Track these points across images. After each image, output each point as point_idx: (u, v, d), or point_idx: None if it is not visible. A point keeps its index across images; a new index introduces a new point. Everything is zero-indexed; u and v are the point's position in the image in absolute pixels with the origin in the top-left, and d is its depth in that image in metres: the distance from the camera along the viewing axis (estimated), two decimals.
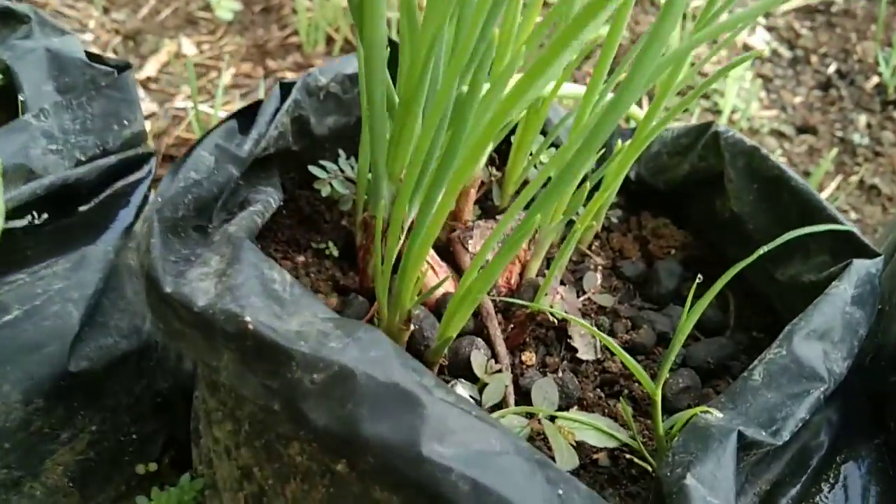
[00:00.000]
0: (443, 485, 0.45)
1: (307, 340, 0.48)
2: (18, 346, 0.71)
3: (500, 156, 0.99)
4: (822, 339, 0.64)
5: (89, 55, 0.91)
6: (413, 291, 0.71)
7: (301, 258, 0.90)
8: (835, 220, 0.74)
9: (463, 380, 0.77)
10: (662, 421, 0.77)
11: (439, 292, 0.86)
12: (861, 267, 0.68)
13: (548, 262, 0.91)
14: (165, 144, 1.82)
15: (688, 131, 0.91)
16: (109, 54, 2.07)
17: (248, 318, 0.48)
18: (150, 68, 2.12)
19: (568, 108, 1.06)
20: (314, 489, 0.59)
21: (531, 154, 0.94)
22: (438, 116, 0.61)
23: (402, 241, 0.70)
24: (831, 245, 0.75)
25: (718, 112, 2.18)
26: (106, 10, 2.15)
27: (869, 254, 0.71)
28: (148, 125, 1.81)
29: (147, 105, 2.09)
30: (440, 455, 0.45)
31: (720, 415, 0.59)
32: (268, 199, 0.70)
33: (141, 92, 2.09)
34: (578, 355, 0.82)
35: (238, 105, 1.90)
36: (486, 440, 0.47)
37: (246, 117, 0.81)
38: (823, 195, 1.97)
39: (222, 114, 1.81)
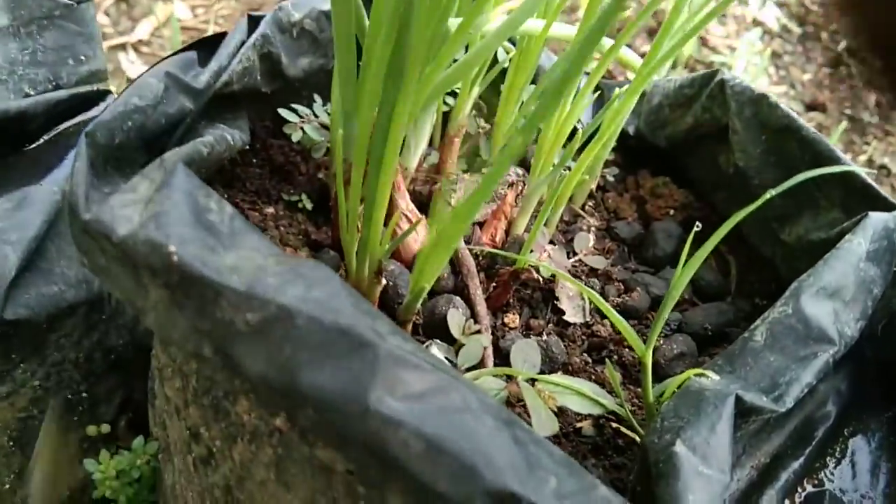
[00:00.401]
0: (392, 442, 0.39)
1: (241, 276, 0.42)
2: None
3: (490, 106, 0.92)
4: (833, 297, 0.57)
5: None
6: (383, 240, 0.64)
7: (270, 210, 0.84)
8: (849, 172, 0.67)
9: (438, 341, 0.71)
10: (653, 388, 0.71)
11: (417, 246, 0.79)
12: (878, 220, 0.61)
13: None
14: None
15: (691, 81, 0.84)
16: (101, 16, 2.00)
17: (172, 249, 0.42)
18: (143, 31, 2.05)
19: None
20: (261, 450, 0.53)
21: (522, 104, 0.87)
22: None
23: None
24: (843, 199, 0.68)
25: None
26: None
27: (886, 206, 0.64)
28: None
29: (138, 68, 2.02)
30: (390, 408, 0.39)
31: (716, 378, 0.53)
32: (223, 135, 0.63)
33: (132, 55, 2.02)
34: (566, 318, 0.76)
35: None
36: (446, 394, 0.41)
37: (208, 49, 0.74)
38: None
39: None
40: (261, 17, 0.78)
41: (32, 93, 0.75)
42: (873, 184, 0.65)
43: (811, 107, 2.19)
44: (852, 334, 0.56)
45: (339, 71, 0.57)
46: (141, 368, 0.79)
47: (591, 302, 0.79)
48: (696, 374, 0.55)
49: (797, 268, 0.74)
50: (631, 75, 1.01)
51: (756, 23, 2.37)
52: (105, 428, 0.77)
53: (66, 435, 0.75)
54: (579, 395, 0.62)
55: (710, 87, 0.81)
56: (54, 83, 0.77)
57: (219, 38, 0.75)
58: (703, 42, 2.33)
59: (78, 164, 0.49)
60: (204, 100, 0.68)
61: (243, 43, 0.74)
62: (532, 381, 0.62)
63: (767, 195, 0.52)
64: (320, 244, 0.80)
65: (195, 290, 0.42)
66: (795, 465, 0.55)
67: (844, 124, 1.84)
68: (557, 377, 0.63)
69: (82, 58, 0.81)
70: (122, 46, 2.08)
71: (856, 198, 0.67)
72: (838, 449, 0.58)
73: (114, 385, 0.78)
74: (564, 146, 0.78)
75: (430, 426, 0.39)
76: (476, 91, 0.83)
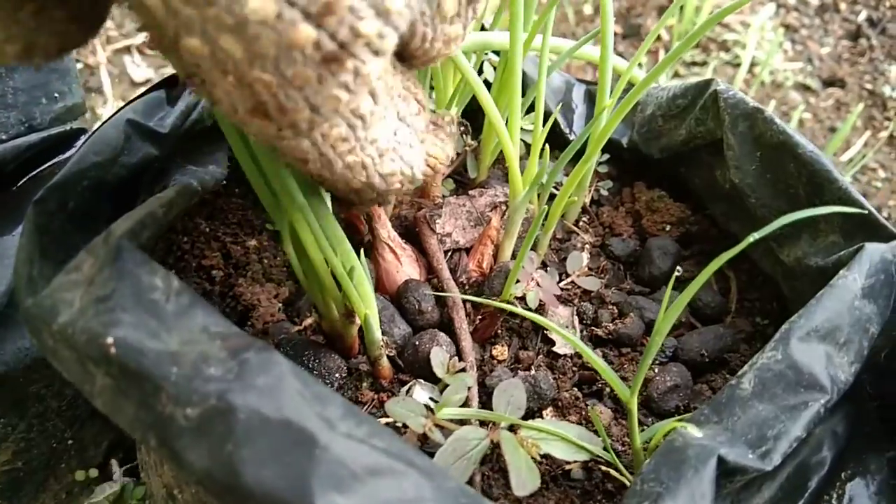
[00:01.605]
0: None
1: (181, 366, 0.40)
2: None
3: (476, 123, 0.89)
4: (826, 339, 0.54)
5: None
6: (354, 279, 0.62)
7: (253, 242, 0.82)
8: (847, 196, 0.63)
9: (422, 381, 0.69)
10: (647, 425, 0.68)
11: (401, 277, 0.77)
12: (874, 252, 0.58)
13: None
14: None
15: (685, 91, 0.80)
16: None
17: (110, 340, 0.40)
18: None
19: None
20: None
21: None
22: None
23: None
24: (843, 224, 0.65)
25: (738, 65, 2.05)
26: None
27: (886, 236, 0.60)
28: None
29: (143, 71, 2.01)
30: None
31: (698, 434, 0.50)
32: (189, 183, 0.61)
33: (137, 57, 2.01)
34: (556, 349, 0.74)
35: None
36: (400, 486, 0.39)
37: (177, 85, 0.72)
38: (850, 152, 1.84)
39: None
40: None
41: (3, 137, 0.73)
42: (873, 211, 0.62)
43: (829, 82, 2.12)
44: (846, 379, 0.53)
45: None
46: None
47: (582, 329, 0.77)
48: (681, 426, 0.53)
49: (799, 289, 0.71)
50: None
51: None
52: (93, 472, 0.76)
53: (53, 482, 0.74)
54: (564, 441, 0.60)
55: (704, 99, 0.77)
56: (27, 124, 0.76)
57: None
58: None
59: (23, 241, 0.47)
60: (172, 143, 0.67)
61: None
62: (515, 428, 0.60)
63: (750, 238, 0.48)
64: None
65: (135, 382, 0.40)
66: None
67: (861, 106, 1.78)
68: (541, 422, 0.61)
69: (56, 95, 0.79)
70: (127, 49, 2.06)
71: (855, 224, 0.63)
72: (835, 495, 0.55)
73: (100, 429, 0.77)
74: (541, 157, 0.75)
75: None
76: (455, 111, 0.80)
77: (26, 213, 0.49)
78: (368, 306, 0.61)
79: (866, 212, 0.61)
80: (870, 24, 2.27)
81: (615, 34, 2.13)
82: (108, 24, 2.03)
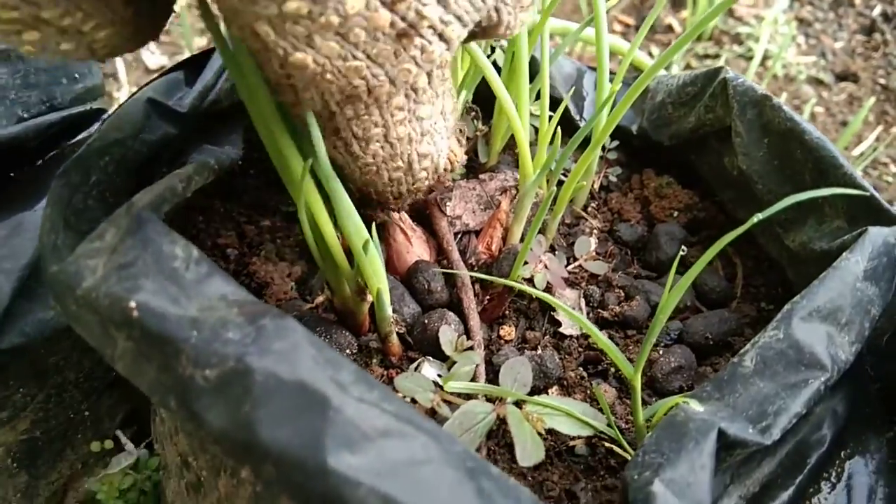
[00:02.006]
0: (351, 501, 0.38)
1: (201, 330, 0.41)
2: None
3: (487, 109, 0.90)
4: (827, 319, 0.55)
5: None
6: (369, 257, 0.64)
7: (267, 222, 0.84)
8: (852, 181, 0.64)
9: (430, 358, 0.71)
10: (651, 404, 0.70)
11: (412, 258, 0.79)
12: (877, 236, 0.59)
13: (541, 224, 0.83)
14: None
15: (694, 79, 0.81)
16: None
17: (132, 304, 0.42)
18: None
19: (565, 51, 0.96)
20: (242, 486, 0.53)
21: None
22: None
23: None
24: (848, 209, 0.65)
25: (751, 58, 2.05)
26: None
27: (889, 220, 0.61)
28: None
29: (157, 58, 2.03)
30: (349, 466, 0.39)
31: (700, 408, 0.51)
32: (207, 161, 0.63)
33: (152, 45, 2.02)
34: (562, 330, 0.75)
35: None
36: (408, 447, 0.41)
37: (195, 67, 0.73)
38: (862, 146, 1.84)
39: None
40: None
41: (25, 116, 0.75)
42: (876, 195, 0.62)
43: (842, 77, 2.11)
44: (847, 359, 0.54)
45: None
46: None
47: (588, 311, 0.78)
48: (683, 402, 0.54)
49: (805, 274, 0.72)
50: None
51: None
52: (108, 444, 0.78)
53: (70, 453, 0.76)
54: (569, 417, 0.61)
55: (714, 86, 0.78)
56: (48, 104, 0.78)
57: (206, 55, 0.74)
58: (729, 12, 2.26)
59: (47, 211, 0.49)
60: (190, 122, 0.68)
61: None
62: (521, 403, 0.62)
63: (754, 219, 0.49)
64: None
65: (156, 345, 0.42)
66: (787, 493, 0.54)
67: (874, 100, 1.78)
68: (547, 398, 0.62)
69: (76, 76, 0.81)
70: None
71: (860, 208, 0.64)
72: (834, 473, 0.56)
73: (116, 401, 0.79)
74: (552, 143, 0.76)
75: (387, 484, 0.38)
76: (464, 94, 0.81)
77: (51, 185, 0.51)
78: (380, 281, 0.62)
79: (868, 194, 0.62)
80: (884, 19, 2.26)
81: (628, 26, 2.14)
82: None
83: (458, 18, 0.45)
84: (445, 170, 0.64)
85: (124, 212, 0.47)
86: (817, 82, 2.05)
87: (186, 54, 1.85)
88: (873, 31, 2.23)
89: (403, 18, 0.43)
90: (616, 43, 0.88)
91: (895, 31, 2.26)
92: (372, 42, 0.43)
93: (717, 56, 2.13)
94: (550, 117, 0.77)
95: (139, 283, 0.43)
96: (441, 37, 0.45)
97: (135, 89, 1.75)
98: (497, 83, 0.72)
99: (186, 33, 1.72)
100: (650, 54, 2.03)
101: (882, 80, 2.07)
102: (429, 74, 0.51)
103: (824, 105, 1.96)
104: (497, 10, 0.51)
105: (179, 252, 0.46)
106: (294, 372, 0.41)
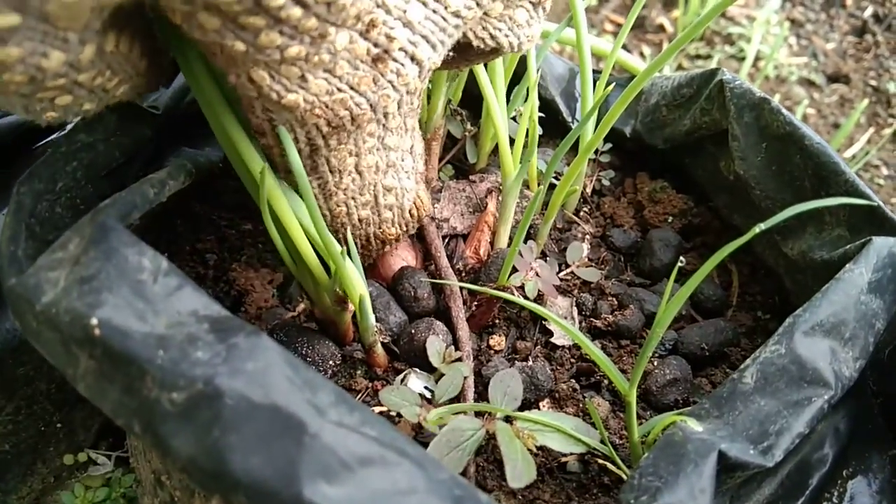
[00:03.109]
0: None
1: (168, 350, 0.39)
2: None
3: (476, 110, 0.88)
4: (830, 334, 0.53)
5: None
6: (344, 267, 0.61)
7: (248, 226, 0.80)
8: (854, 189, 0.62)
9: (417, 370, 0.68)
10: (646, 419, 0.67)
11: (397, 263, 0.76)
12: (882, 246, 0.57)
13: (530, 227, 0.81)
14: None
15: (690, 80, 0.79)
16: None
17: (94, 321, 0.39)
18: None
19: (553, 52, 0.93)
20: None
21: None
22: None
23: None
24: (849, 217, 0.63)
25: (742, 59, 2.03)
26: None
27: (892, 230, 0.59)
28: None
29: None
30: (326, 498, 0.36)
31: (698, 428, 0.49)
32: (183, 163, 0.60)
33: None
34: (554, 340, 0.72)
35: None
36: (391, 476, 0.38)
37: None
38: (854, 148, 1.83)
39: None
40: None
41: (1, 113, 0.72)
42: (881, 204, 0.60)
43: (834, 78, 2.10)
44: (850, 375, 0.52)
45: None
46: None
47: (581, 320, 0.75)
48: (680, 420, 0.52)
49: (802, 283, 0.70)
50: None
51: None
52: (82, 457, 0.75)
53: (41, 466, 0.73)
54: (560, 433, 0.59)
55: (710, 88, 0.76)
56: None
57: None
58: (721, 13, 2.24)
59: (7, 219, 0.46)
60: (166, 123, 0.65)
61: None
62: (511, 419, 0.59)
63: (756, 230, 0.47)
64: None
65: (120, 365, 0.39)
66: None
67: (866, 102, 1.76)
68: (538, 414, 0.60)
69: None
70: None
71: (861, 217, 0.62)
72: (836, 493, 0.54)
73: (90, 412, 0.76)
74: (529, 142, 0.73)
75: None
76: (445, 88, 0.78)
77: (13, 195, 0.48)
78: (361, 289, 0.60)
79: (875, 204, 0.59)
80: (875, 21, 2.25)
81: (619, 25, 2.11)
82: None
83: (425, 39, 0.50)
84: (411, 214, 0.67)
85: (89, 220, 0.44)
86: (809, 83, 2.04)
87: None
88: (865, 32, 2.22)
89: (376, 44, 0.47)
90: (597, 45, 0.85)
91: (886, 32, 2.25)
92: (353, 72, 0.48)
93: (708, 56, 2.11)
94: (540, 118, 0.74)
95: (102, 298, 0.40)
96: (413, 59, 0.50)
97: None
98: (485, 82, 0.69)
99: None
100: (642, 55, 2.01)
101: (873, 82, 2.06)
102: (398, 102, 0.54)
103: (816, 107, 1.95)
104: (492, 36, 0.56)
105: (147, 263, 0.43)
106: (267, 395, 0.38)
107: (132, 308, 0.40)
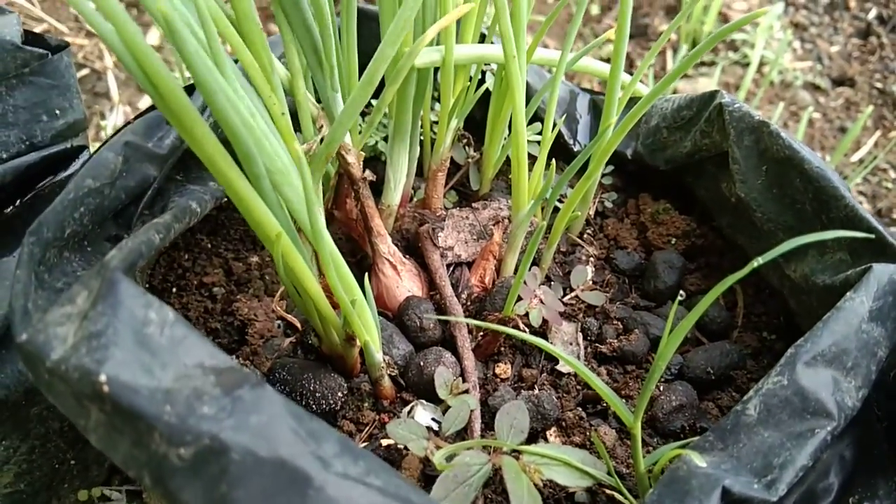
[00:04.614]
0: None
1: (174, 405, 0.39)
2: None
3: (478, 135, 0.88)
4: (832, 364, 0.53)
5: (28, 35, 0.82)
6: (355, 301, 0.62)
7: (255, 258, 0.81)
8: (854, 214, 0.62)
9: (424, 402, 0.69)
10: (652, 445, 0.68)
11: (402, 293, 0.77)
12: (882, 273, 0.57)
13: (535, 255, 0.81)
14: None
15: (689, 103, 0.79)
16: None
17: (102, 378, 0.39)
18: (153, 37, 2.03)
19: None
20: None
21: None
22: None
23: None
24: (851, 242, 0.63)
25: (747, 65, 2.03)
26: None
27: (893, 255, 0.59)
28: (149, 100, 1.74)
29: None
30: None
31: (702, 463, 0.49)
32: (188, 204, 0.61)
33: None
34: (559, 367, 0.73)
35: None
36: None
37: None
38: (861, 152, 1.82)
39: None
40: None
41: (4, 156, 0.73)
42: (881, 229, 0.60)
43: (839, 81, 2.10)
44: (853, 404, 0.52)
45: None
46: None
47: (586, 345, 0.76)
48: (685, 453, 0.52)
49: (806, 302, 0.70)
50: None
51: None
52: (96, 492, 0.76)
53: (56, 503, 0.74)
54: (567, 466, 0.59)
55: (709, 111, 0.76)
56: (28, 142, 0.76)
57: (188, 91, 0.72)
58: (724, 18, 2.24)
59: (18, 273, 0.47)
60: (171, 162, 0.66)
61: None
62: (516, 453, 0.60)
63: (754, 263, 0.47)
64: None
65: (129, 420, 0.40)
66: None
67: (871, 108, 1.76)
68: (545, 446, 0.60)
69: (57, 112, 0.79)
70: None
71: (863, 242, 0.62)
72: None
73: None
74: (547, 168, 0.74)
75: None
76: (455, 123, 0.79)
77: (22, 247, 0.49)
78: (370, 332, 0.60)
79: (873, 236, 0.59)
80: (880, 22, 2.25)
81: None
82: (53, 36, 2.03)
83: None
84: None
85: (96, 273, 0.45)
86: (814, 87, 2.03)
87: (177, 73, 1.83)
88: (869, 34, 2.22)
89: None
90: (590, 65, 0.85)
91: (891, 34, 2.25)
92: None
93: (712, 63, 2.11)
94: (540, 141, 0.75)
95: (110, 353, 0.41)
96: None
97: (128, 108, 1.73)
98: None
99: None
100: (659, 34, 2.01)
101: (879, 84, 2.06)
102: None
103: (821, 111, 1.94)
104: None
105: (153, 315, 0.44)
106: (272, 448, 0.39)
107: (139, 363, 0.41)
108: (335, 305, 0.60)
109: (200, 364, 0.43)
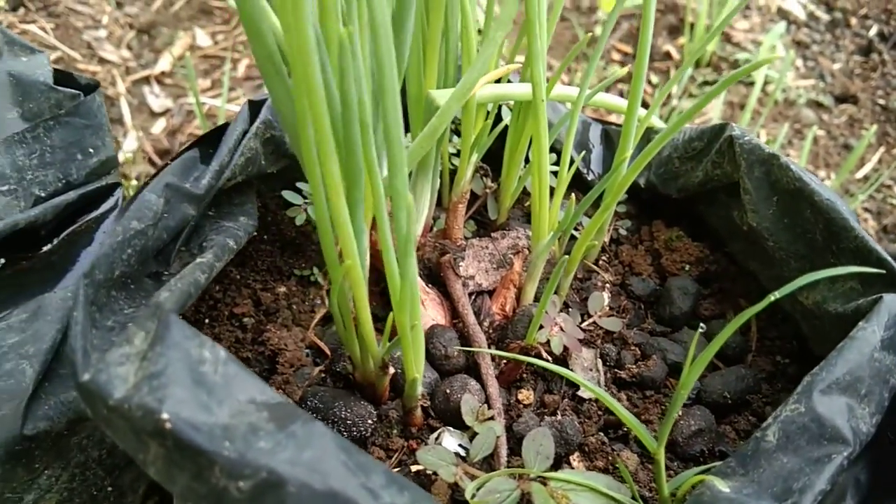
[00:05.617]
0: None
1: (233, 440, 0.42)
2: None
3: (495, 165, 0.91)
4: (847, 392, 0.56)
5: (58, 75, 0.85)
6: (383, 337, 0.65)
7: (283, 288, 0.84)
8: (863, 245, 0.65)
9: (451, 428, 0.71)
10: (673, 469, 0.70)
11: (426, 322, 0.79)
12: (893, 304, 0.59)
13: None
14: (180, 143, 1.78)
15: (700, 134, 0.82)
16: (123, 50, 2.02)
17: (165, 416, 0.42)
18: (164, 63, 2.07)
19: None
20: None
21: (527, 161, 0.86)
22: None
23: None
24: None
25: (751, 84, 2.06)
26: (119, 5, 2.10)
27: None
28: (163, 123, 1.78)
29: (162, 101, 2.04)
30: None
31: (725, 488, 0.52)
32: (226, 242, 0.64)
33: (156, 87, 2.04)
34: (580, 393, 0.75)
35: (246, 99, 1.85)
36: None
37: (210, 144, 0.74)
38: (865, 169, 1.85)
39: (232, 107, 1.76)
40: (262, 102, 0.78)
41: (43, 195, 0.76)
42: (891, 261, 0.63)
43: (842, 99, 2.13)
44: (868, 431, 0.54)
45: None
46: None
47: (606, 371, 0.78)
48: (707, 479, 0.54)
49: (819, 327, 0.72)
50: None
51: (781, 13, 2.31)
52: None
53: None
54: (593, 492, 0.61)
55: (720, 142, 0.79)
56: (64, 181, 0.79)
57: (220, 131, 0.75)
58: (727, 38, 2.28)
59: (76, 315, 0.49)
60: (207, 201, 0.69)
61: (245, 133, 0.74)
62: (544, 479, 0.62)
63: (771, 298, 0.50)
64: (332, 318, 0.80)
65: (189, 455, 0.42)
66: None
67: (875, 128, 1.78)
68: (570, 473, 0.63)
69: (91, 150, 0.82)
70: (146, 79, 2.10)
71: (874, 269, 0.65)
72: None
73: (137, 474, 0.79)
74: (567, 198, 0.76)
75: None
76: (475, 157, 0.82)
77: (75, 286, 0.51)
78: (419, 371, 0.63)
79: (884, 271, 0.62)
80: (881, 39, 2.28)
81: (626, 54, 2.15)
82: (127, 54, 2.08)
83: None
84: None
85: (151, 314, 0.48)
86: (817, 105, 2.06)
87: (190, 97, 1.86)
88: (871, 51, 2.25)
89: None
90: (606, 100, 0.88)
91: (892, 50, 2.28)
92: None
93: (716, 83, 2.14)
94: (555, 171, 0.78)
95: (170, 392, 0.43)
96: None
97: (140, 133, 1.76)
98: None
99: (191, 76, 1.74)
100: (649, 82, 2.04)
101: (882, 101, 2.09)
102: None
103: (825, 128, 1.97)
104: None
105: (207, 354, 0.46)
106: (325, 481, 0.41)
107: (197, 400, 0.44)
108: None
109: (253, 400, 0.45)
